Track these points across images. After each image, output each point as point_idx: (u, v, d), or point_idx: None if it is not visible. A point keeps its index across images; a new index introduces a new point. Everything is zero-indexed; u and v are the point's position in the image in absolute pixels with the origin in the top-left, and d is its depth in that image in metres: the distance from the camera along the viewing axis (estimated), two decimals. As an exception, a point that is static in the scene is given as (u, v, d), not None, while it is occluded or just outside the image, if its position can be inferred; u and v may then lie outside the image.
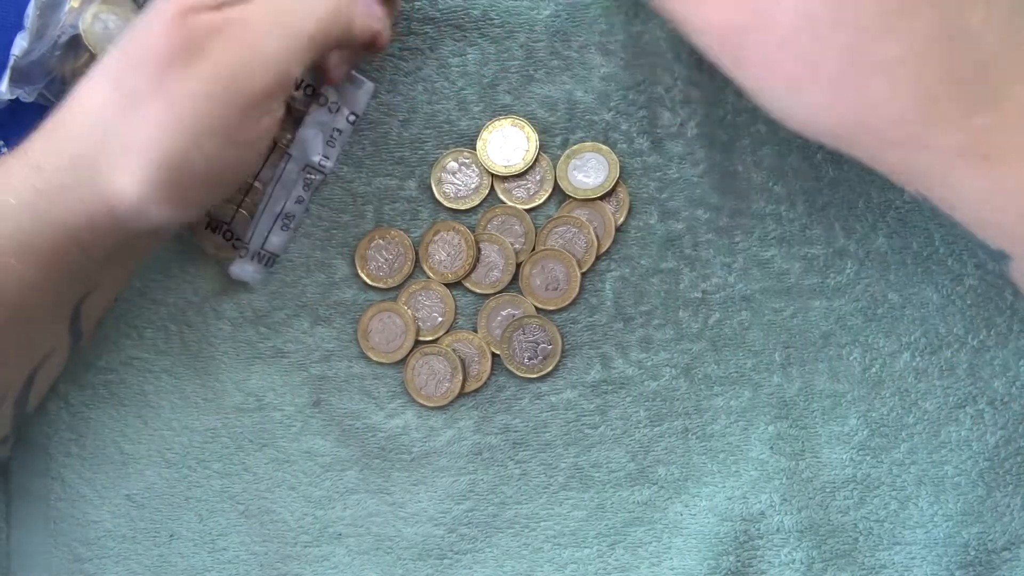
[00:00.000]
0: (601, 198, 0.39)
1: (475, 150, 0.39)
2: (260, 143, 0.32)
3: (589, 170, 0.39)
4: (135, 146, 0.30)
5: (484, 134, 0.39)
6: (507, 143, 0.39)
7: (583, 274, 0.39)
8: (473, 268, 0.39)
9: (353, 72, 0.39)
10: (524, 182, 0.39)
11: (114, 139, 0.30)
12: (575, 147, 0.39)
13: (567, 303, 0.39)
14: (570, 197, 0.39)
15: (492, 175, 0.39)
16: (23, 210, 0.30)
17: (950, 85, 0.27)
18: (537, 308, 0.39)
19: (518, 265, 0.39)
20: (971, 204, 0.29)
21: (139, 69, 0.30)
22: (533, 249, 0.39)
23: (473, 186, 0.40)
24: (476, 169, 0.39)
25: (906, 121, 0.28)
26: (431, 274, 0.39)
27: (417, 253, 0.40)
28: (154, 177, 0.30)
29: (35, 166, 0.30)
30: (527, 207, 0.39)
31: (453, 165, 0.40)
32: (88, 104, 0.31)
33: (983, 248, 0.30)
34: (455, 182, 0.40)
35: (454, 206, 0.40)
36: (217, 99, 0.30)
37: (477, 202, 0.39)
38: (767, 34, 0.29)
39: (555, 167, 0.39)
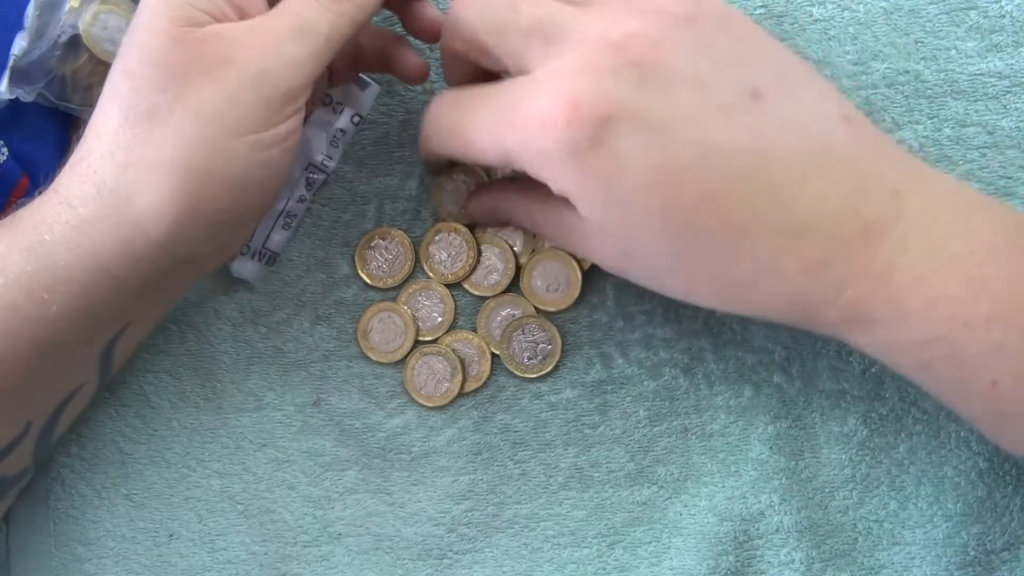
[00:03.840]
0: None
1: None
2: (286, 144, 0.32)
3: None
4: (159, 163, 0.30)
5: None
6: None
7: (584, 273, 0.39)
8: (473, 270, 0.39)
9: (359, 74, 0.39)
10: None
11: (135, 161, 0.30)
12: None
13: (569, 304, 0.39)
14: None
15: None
16: (57, 246, 0.30)
17: (809, 281, 0.29)
18: (540, 310, 0.39)
19: (518, 267, 0.39)
20: (867, 351, 0.31)
21: (152, 87, 0.30)
22: (532, 250, 0.39)
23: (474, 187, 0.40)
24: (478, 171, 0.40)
25: (786, 315, 0.31)
26: (431, 275, 0.39)
27: (417, 253, 0.40)
28: (183, 189, 0.30)
29: (64, 202, 0.30)
30: None
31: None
32: (103, 132, 0.30)
33: None
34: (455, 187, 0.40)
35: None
36: (241, 103, 0.30)
37: None
38: (636, 275, 0.32)
39: None
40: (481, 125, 0.31)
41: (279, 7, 0.32)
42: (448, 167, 0.39)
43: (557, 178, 0.30)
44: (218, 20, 0.31)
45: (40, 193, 0.32)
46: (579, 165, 0.29)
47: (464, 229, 0.39)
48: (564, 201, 0.31)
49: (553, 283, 0.39)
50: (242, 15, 0.31)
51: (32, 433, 0.34)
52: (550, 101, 0.28)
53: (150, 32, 0.30)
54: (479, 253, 0.39)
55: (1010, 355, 0.28)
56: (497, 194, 0.37)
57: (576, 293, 0.39)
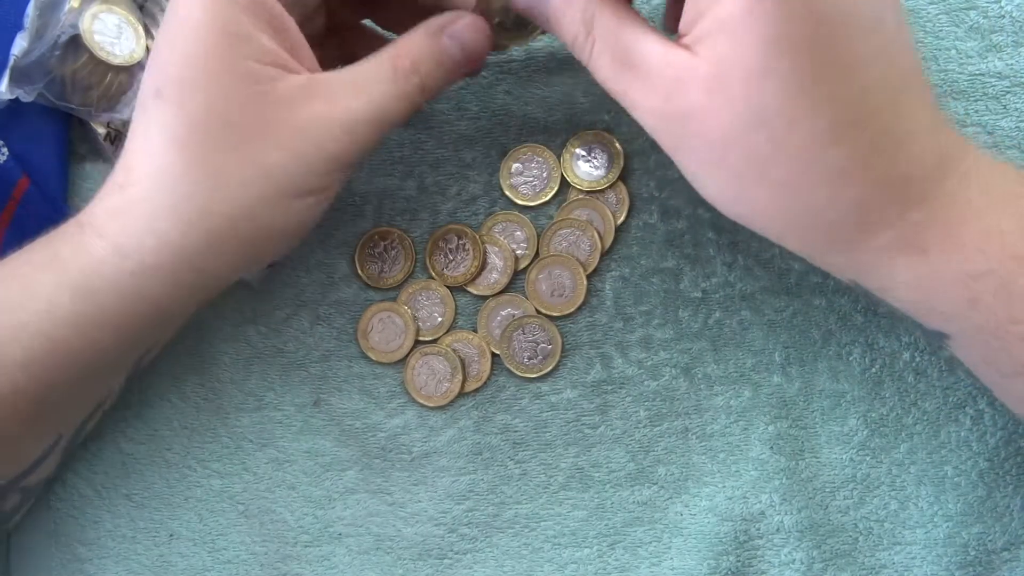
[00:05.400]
0: (606, 190, 0.39)
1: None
2: (331, 197, 0.33)
3: (594, 160, 0.39)
4: (228, 217, 0.30)
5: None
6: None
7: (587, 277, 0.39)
8: (479, 274, 0.39)
9: None
10: (530, 179, 0.39)
11: (201, 214, 0.30)
12: (580, 134, 0.39)
13: (574, 308, 0.39)
14: (574, 189, 0.39)
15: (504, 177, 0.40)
16: (111, 291, 0.31)
17: (888, 189, 0.28)
18: (545, 314, 0.39)
19: (519, 269, 0.39)
20: (908, 290, 0.30)
21: (226, 145, 0.30)
22: (536, 254, 0.39)
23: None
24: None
25: (844, 224, 0.29)
26: (434, 275, 0.39)
27: (423, 255, 0.39)
28: (246, 241, 0.31)
29: (118, 252, 0.30)
30: (533, 204, 0.39)
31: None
32: (161, 179, 0.30)
33: (919, 328, 0.31)
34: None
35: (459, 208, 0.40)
36: (310, 171, 0.31)
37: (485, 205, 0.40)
38: (712, 125, 0.28)
39: (560, 159, 0.39)
40: None
41: (355, 82, 0.32)
42: None
43: None
44: (276, 67, 0.31)
45: (70, 219, 0.31)
46: None
47: (472, 234, 0.39)
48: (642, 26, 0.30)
49: (558, 289, 0.39)
50: (295, 56, 0.32)
51: (60, 445, 0.35)
52: None
53: (218, 88, 0.30)
54: (484, 263, 0.39)
55: None
56: None
57: (580, 300, 0.39)
